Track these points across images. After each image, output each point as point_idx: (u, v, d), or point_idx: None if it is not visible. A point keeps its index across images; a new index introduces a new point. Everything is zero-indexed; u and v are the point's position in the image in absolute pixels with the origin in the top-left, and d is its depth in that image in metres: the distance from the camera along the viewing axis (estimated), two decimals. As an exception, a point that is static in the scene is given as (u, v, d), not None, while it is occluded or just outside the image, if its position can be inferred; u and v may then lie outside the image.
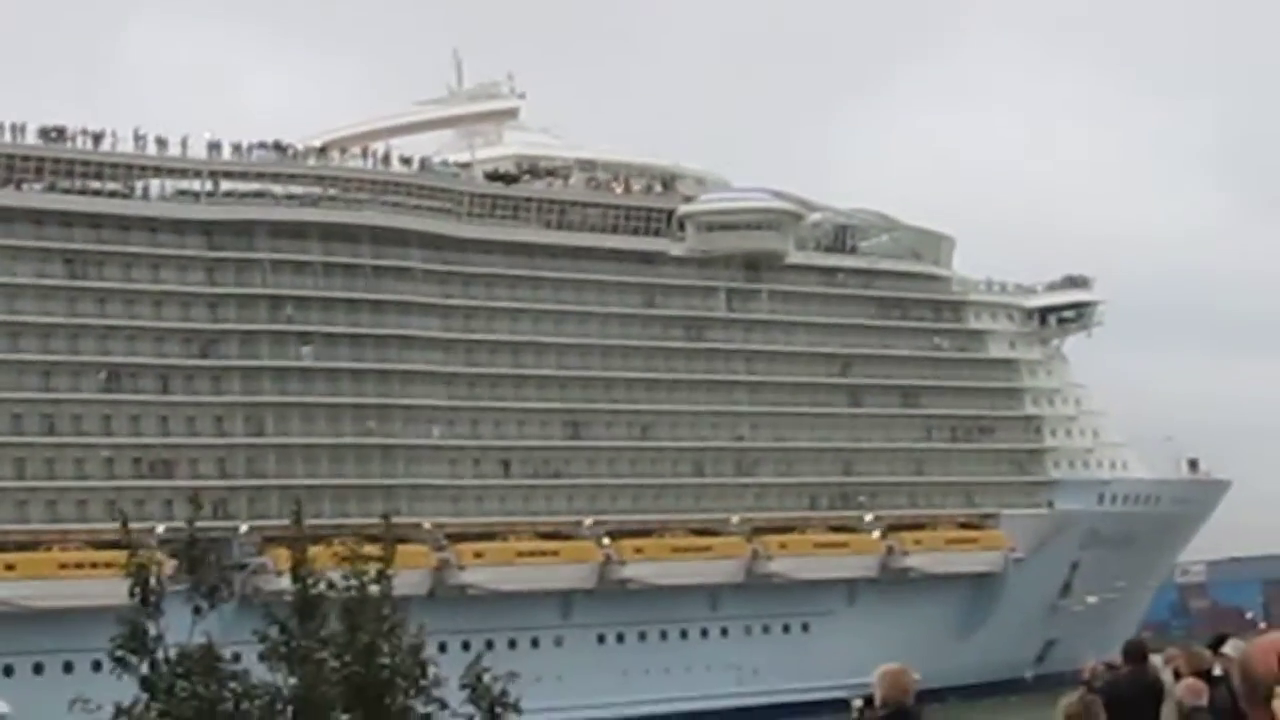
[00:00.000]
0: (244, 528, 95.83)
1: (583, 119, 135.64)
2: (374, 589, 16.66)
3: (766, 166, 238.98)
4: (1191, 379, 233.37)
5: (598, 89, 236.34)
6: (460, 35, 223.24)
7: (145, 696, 15.45)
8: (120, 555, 20.62)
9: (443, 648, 67.13)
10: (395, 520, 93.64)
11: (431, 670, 16.77)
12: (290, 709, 15.72)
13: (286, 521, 69.35)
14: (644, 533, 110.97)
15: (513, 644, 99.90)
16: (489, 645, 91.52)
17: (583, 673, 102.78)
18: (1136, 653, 21.11)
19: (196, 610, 16.44)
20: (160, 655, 15.85)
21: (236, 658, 17.90)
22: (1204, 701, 15.81)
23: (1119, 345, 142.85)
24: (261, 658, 16.27)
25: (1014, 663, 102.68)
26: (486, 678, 17.51)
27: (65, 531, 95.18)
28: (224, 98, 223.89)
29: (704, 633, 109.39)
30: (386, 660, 16.29)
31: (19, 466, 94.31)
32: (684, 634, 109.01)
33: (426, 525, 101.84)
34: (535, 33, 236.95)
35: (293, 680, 15.96)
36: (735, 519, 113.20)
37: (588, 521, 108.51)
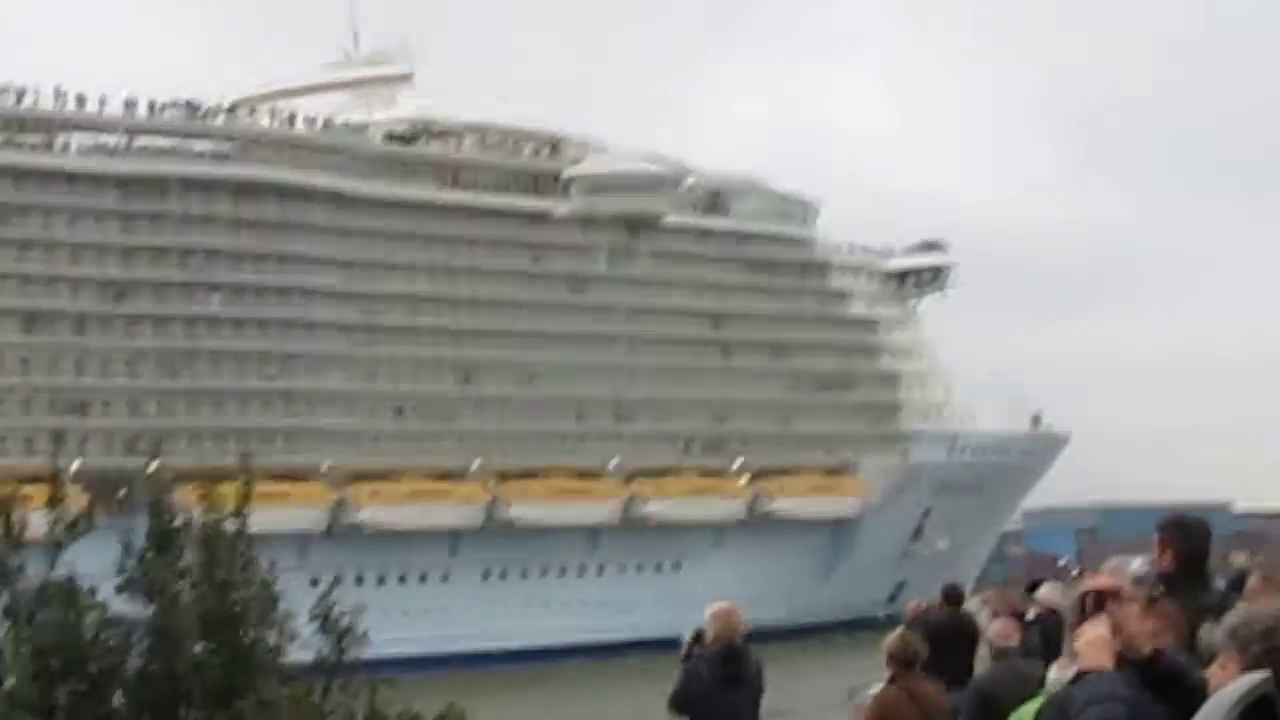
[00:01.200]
0: (152, 466, 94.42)
1: (473, 84, 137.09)
2: (230, 525, 16.58)
3: (641, 129, 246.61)
4: (1030, 335, 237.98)
5: (486, 54, 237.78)
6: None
7: (8, 624, 15.55)
8: (40, 490, 19.78)
9: (337, 581, 71.34)
10: (297, 462, 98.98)
11: (281, 605, 16.64)
12: (146, 639, 15.49)
13: (191, 462, 73.81)
14: (529, 475, 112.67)
15: (403, 579, 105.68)
16: (380, 580, 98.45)
17: (467, 607, 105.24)
18: (953, 595, 22.74)
19: (126, 546, 16.53)
20: (21, 586, 15.80)
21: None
22: (1014, 642, 16.31)
23: (972, 304, 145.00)
24: (118, 590, 16.15)
25: (868, 603, 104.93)
26: (335, 611, 17.45)
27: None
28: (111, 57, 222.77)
29: (582, 571, 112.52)
30: (239, 594, 16.05)
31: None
32: (563, 571, 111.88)
33: (325, 466, 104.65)
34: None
35: (149, 611, 15.76)
36: (613, 464, 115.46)
37: (475, 465, 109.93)
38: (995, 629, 17.05)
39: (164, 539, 15.23)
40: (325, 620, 16.19)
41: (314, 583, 71.05)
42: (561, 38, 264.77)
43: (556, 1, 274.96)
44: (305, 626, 16.56)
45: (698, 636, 15.60)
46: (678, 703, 15.38)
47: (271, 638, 15.30)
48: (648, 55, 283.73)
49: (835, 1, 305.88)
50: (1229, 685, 3.51)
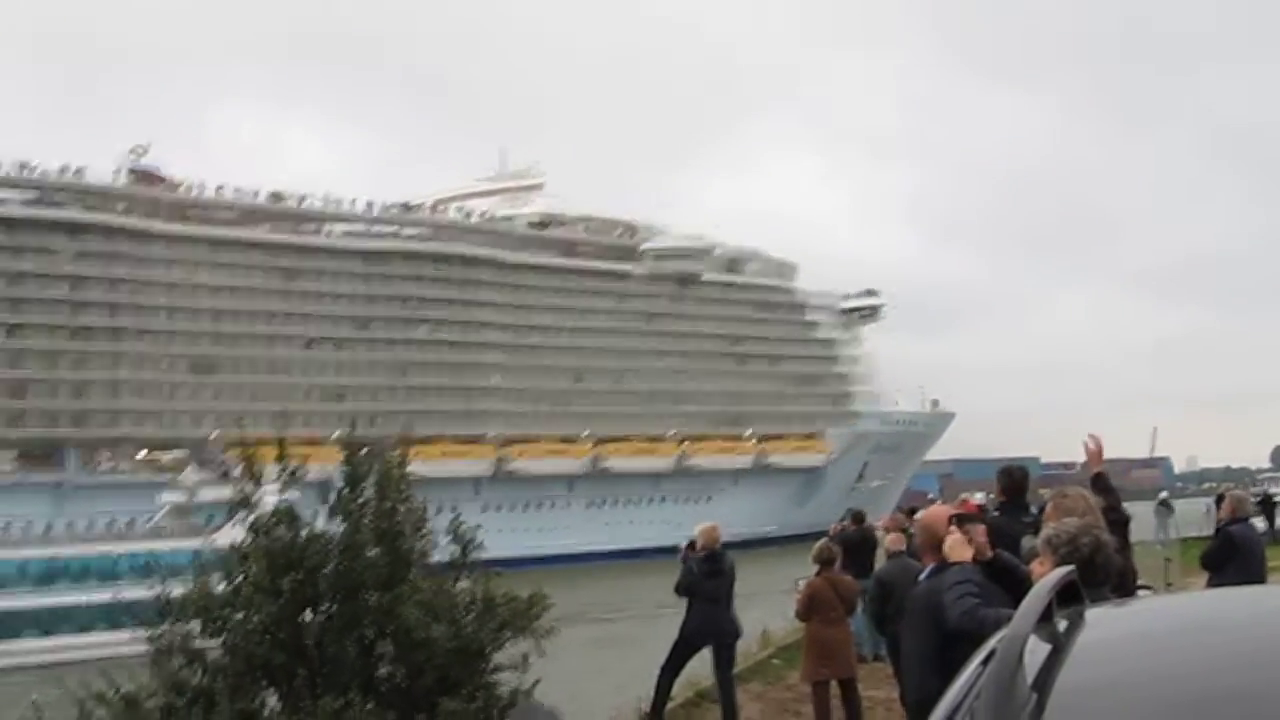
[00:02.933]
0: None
1: (578, 186, 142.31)
2: (395, 471, 15.46)
3: (676, 212, 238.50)
4: (924, 348, 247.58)
5: (585, 164, 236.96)
6: (497, 130, 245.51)
7: (251, 536, 14.83)
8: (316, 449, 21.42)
9: (498, 509, 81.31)
10: (475, 432, 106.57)
11: (428, 523, 15.23)
12: (339, 547, 14.30)
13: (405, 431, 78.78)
14: (617, 440, 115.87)
15: (539, 506, 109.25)
16: (525, 507, 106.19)
17: (577, 524, 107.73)
18: (858, 517, 23.95)
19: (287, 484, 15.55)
20: (259, 511, 14.56)
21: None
22: (902, 548, 16.44)
23: (891, 328, 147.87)
24: (329, 515, 14.92)
25: (828, 521, 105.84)
26: (461, 527, 15.68)
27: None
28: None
29: (649, 502, 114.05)
30: (400, 516, 14.80)
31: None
32: (637, 502, 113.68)
33: (491, 434, 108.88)
34: (538, 126, 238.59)
35: (342, 528, 14.74)
36: (670, 432, 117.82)
37: (584, 433, 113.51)
38: (889, 539, 18.21)
39: (353, 479, 14.74)
40: (455, 533, 15.45)
41: (483, 509, 78.76)
42: (619, 153, 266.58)
43: (608, 134, 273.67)
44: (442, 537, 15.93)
45: (690, 544, 16.36)
46: (679, 589, 16.09)
47: (420, 545, 14.71)
48: (679, 161, 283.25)
49: (786, 131, 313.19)
50: (1048, 575, 3.14)
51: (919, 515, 17.86)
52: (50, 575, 57.47)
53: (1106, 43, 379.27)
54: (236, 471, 15.18)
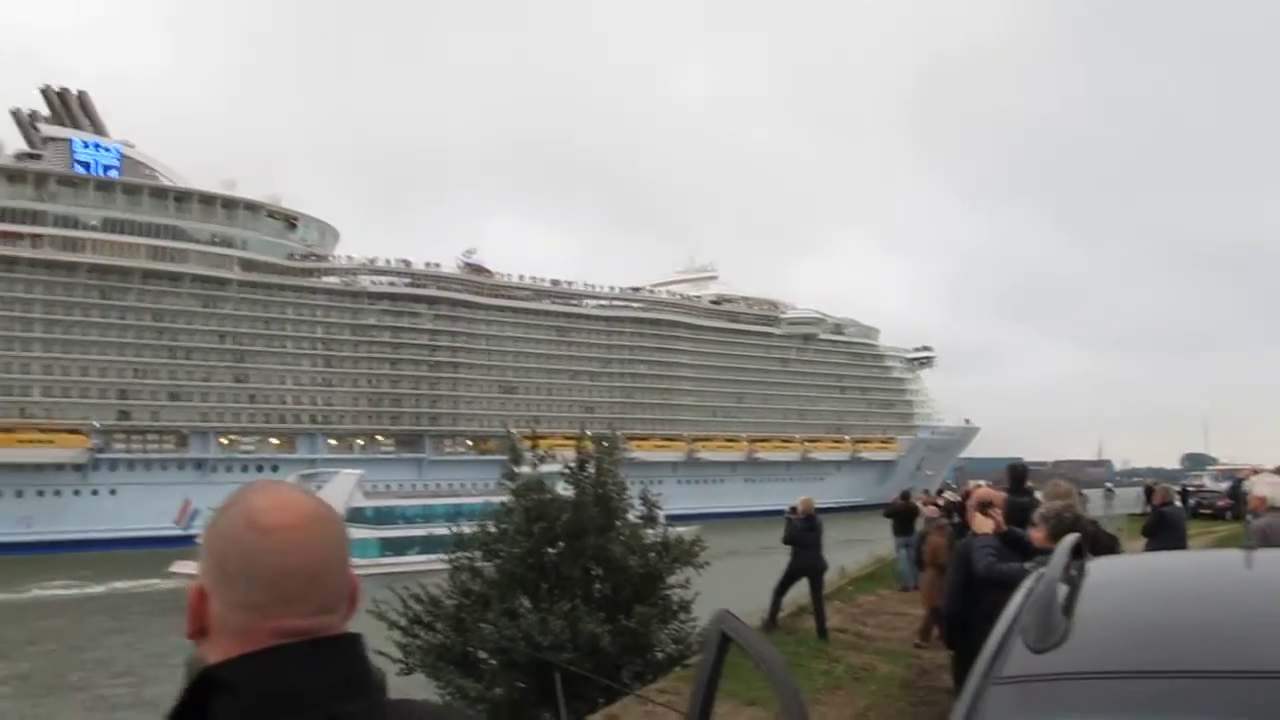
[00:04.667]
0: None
1: (735, 275, 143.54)
2: (607, 457, 14.99)
3: (800, 291, 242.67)
4: (952, 384, 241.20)
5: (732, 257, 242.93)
6: (671, 226, 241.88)
7: (514, 498, 14.44)
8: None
9: (686, 484, 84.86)
10: (674, 431, 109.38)
11: (626, 492, 14.86)
12: (571, 505, 13.95)
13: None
14: (766, 440, 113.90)
15: (712, 481, 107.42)
16: (704, 482, 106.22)
17: (736, 493, 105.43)
18: (905, 495, 22.49)
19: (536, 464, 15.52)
20: (520, 479, 14.67)
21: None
22: (937, 515, 16.32)
23: (939, 371, 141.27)
24: (564, 483, 14.55)
25: (896, 496, 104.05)
26: (649, 493, 15.94)
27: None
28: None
29: (783, 481, 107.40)
30: (609, 486, 14.40)
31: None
32: (777, 481, 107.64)
33: (685, 433, 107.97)
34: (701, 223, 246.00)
35: (574, 493, 14.30)
36: (799, 436, 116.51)
37: (744, 435, 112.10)
38: (927, 510, 18.23)
39: (580, 462, 14.36)
40: (644, 499, 15.29)
41: (678, 483, 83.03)
42: (752, 242, 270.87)
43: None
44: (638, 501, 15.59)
45: (793, 509, 15.44)
46: (785, 540, 14.97)
47: (622, 504, 14.28)
48: (792, 252, 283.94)
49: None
50: (1066, 538, 2.81)
51: (946, 494, 22.69)
52: (413, 516, 57.91)
53: (1063, 170, 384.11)
54: (525, 455, 15.76)
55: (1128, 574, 2.97)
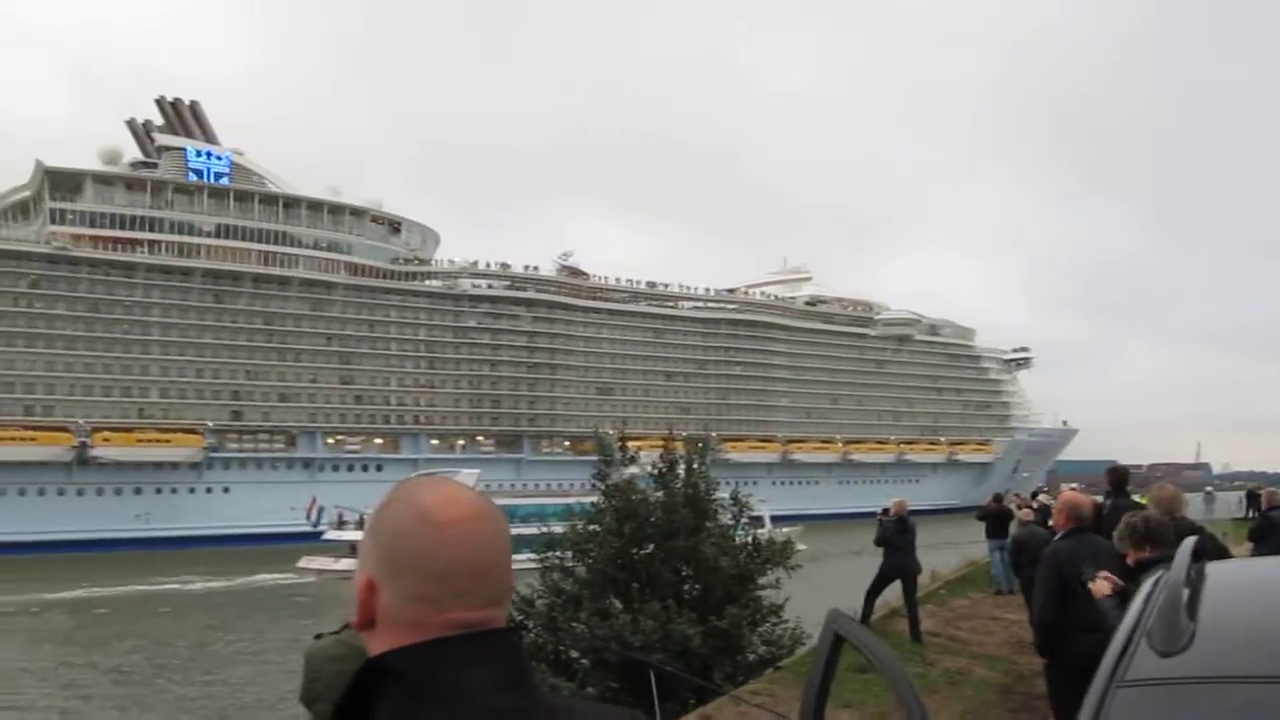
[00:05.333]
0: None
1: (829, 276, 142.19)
2: (696, 457, 15.01)
3: (892, 290, 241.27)
4: (1050, 384, 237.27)
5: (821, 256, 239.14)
6: (764, 226, 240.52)
7: (604, 498, 14.47)
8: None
9: (779, 484, 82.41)
10: (769, 433, 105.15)
11: (715, 492, 14.85)
12: (660, 506, 13.98)
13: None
14: (862, 441, 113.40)
15: (806, 483, 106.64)
16: (799, 483, 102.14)
17: (830, 495, 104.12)
18: (998, 497, 23.18)
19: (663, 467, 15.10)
20: (611, 480, 14.68)
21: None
22: (1030, 518, 16.19)
23: (1035, 372, 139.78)
24: (654, 485, 14.51)
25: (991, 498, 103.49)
26: (740, 493, 16.06)
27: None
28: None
29: (878, 481, 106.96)
30: (699, 487, 14.41)
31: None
32: (871, 482, 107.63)
33: (780, 435, 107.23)
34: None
35: (661, 494, 14.28)
36: (893, 437, 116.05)
37: (838, 436, 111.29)
38: (1021, 512, 18.28)
39: (670, 462, 14.46)
40: (734, 499, 15.46)
41: (773, 484, 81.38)
42: (843, 244, 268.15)
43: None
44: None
45: (885, 511, 15.27)
46: (877, 541, 14.83)
47: (712, 505, 14.39)
48: (885, 254, 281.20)
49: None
50: (1187, 541, 2.80)
51: (1040, 497, 22.91)
52: (527, 516, 59.78)
53: (1173, 166, 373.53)
54: (616, 455, 15.64)
55: (1248, 578, 2.93)
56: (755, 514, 16.67)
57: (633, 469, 15.27)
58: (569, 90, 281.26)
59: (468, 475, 61.12)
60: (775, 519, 60.29)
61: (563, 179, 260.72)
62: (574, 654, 13.19)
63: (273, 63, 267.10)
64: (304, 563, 52.91)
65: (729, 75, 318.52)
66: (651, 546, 13.84)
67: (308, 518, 65.05)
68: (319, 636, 3.45)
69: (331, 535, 57.29)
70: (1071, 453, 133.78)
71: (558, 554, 14.51)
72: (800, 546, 17.10)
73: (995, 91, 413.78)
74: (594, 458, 16.22)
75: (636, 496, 14.29)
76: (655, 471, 14.82)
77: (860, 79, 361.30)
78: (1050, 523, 14.61)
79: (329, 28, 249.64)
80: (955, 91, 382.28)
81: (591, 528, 14.42)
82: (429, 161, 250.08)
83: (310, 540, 60.28)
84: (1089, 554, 6.47)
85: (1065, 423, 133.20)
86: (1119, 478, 10.89)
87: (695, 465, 14.85)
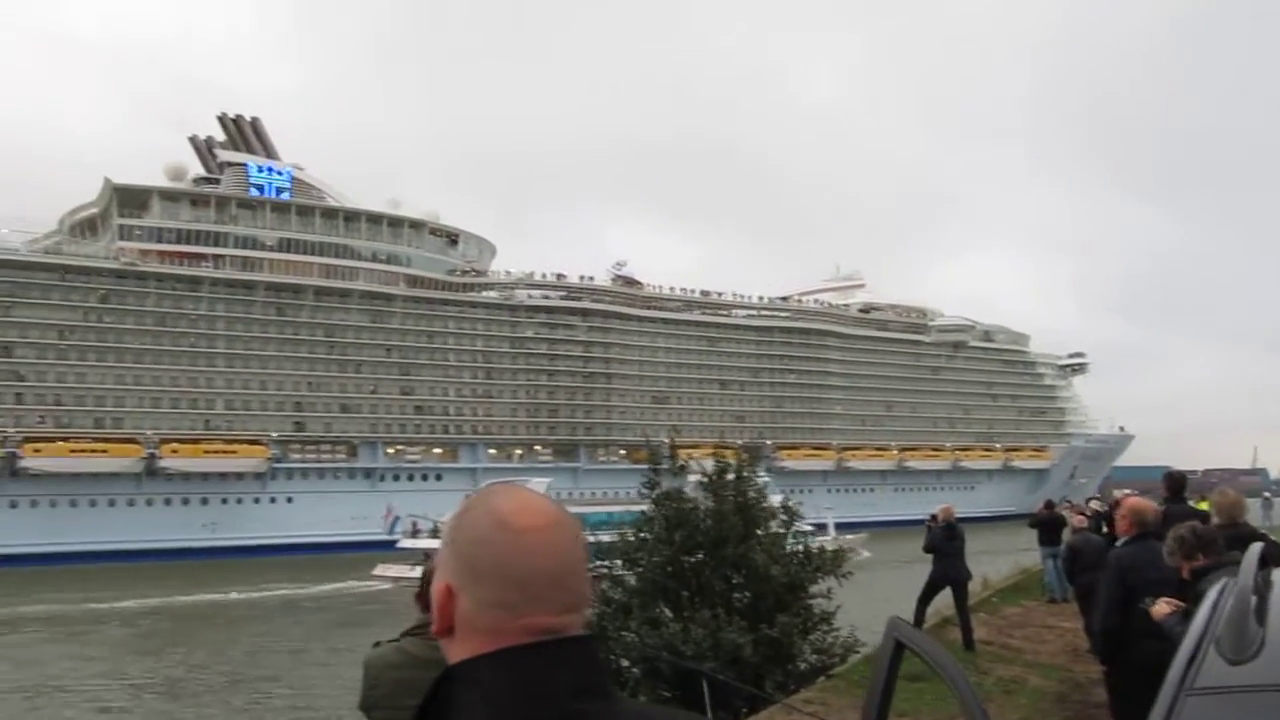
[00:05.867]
0: (768, 442, 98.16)
1: (879, 277, 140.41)
2: (746, 466, 14.65)
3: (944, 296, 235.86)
4: (1103, 390, 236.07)
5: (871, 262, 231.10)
6: (813, 235, 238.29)
7: (654, 506, 14.27)
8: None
9: (829, 491, 79.02)
10: (821, 441, 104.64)
11: (767, 498, 14.74)
12: (710, 513, 13.79)
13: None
14: (916, 449, 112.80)
15: (863, 490, 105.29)
16: (853, 490, 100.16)
17: (886, 501, 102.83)
18: (1049, 505, 22.40)
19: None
20: (661, 489, 14.38)
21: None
22: (1084, 525, 15.88)
23: (1090, 377, 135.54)
24: (703, 490, 14.26)
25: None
26: (790, 501, 15.66)
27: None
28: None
29: (934, 489, 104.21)
30: (749, 494, 14.18)
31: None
32: (927, 489, 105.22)
33: (835, 443, 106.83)
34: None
35: (711, 501, 14.06)
36: (949, 444, 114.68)
37: (893, 444, 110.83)
38: (1075, 519, 17.72)
39: (720, 470, 14.19)
40: (786, 507, 15.01)
41: (828, 491, 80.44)
42: (893, 250, 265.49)
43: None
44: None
45: (933, 517, 15.27)
46: (926, 548, 14.82)
47: (762, 514, 14.11)
48: (934, 260, 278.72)
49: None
50: (1253, 546, 2.81)
51: (1093, 504, 21.50)
52: (596, 524, 57.90)
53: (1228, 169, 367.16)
54: (665, 463, 15.36)
55: None
56: (820, 521, 16.49)
57: (693, 478, 14.91)
58: (599, 93, 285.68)
59: (539, 483, 59.91)
60: (838, 526, 58.86)
61: (599, 184, 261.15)
62: (625, 663, 12.95)
63: (314, 77, 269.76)
64: (379, 570, 53.49)
65: (767, 79, 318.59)
66: (701, 554, 13.70)
67: (386, 525, 66.21)
68: (378, 644, 3.45)
69: (405, 544, 57.81)
70: (1126, 459, 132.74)
71: (605, 563, 14.32)
72: (865, 554, 16.67)
73: (1033, 95, 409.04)
74: (648, 466, 15.79)
75: (687, 504, 14.14)
76: (704, 480, 14.61)
77: (898, 83, 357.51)
78: (1104, 529, 14.64)
79: (368, 35, 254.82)
80: (996, 92, 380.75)
81: (641, 535, 14.28)
82: (466, 167, 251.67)
83: (375, 549, 61.13)
84: (1151, 560, 6.34)
85: (1122, 428, 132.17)
86: (1176, 483, 10.75)
87: (745, 473, 14.62)
